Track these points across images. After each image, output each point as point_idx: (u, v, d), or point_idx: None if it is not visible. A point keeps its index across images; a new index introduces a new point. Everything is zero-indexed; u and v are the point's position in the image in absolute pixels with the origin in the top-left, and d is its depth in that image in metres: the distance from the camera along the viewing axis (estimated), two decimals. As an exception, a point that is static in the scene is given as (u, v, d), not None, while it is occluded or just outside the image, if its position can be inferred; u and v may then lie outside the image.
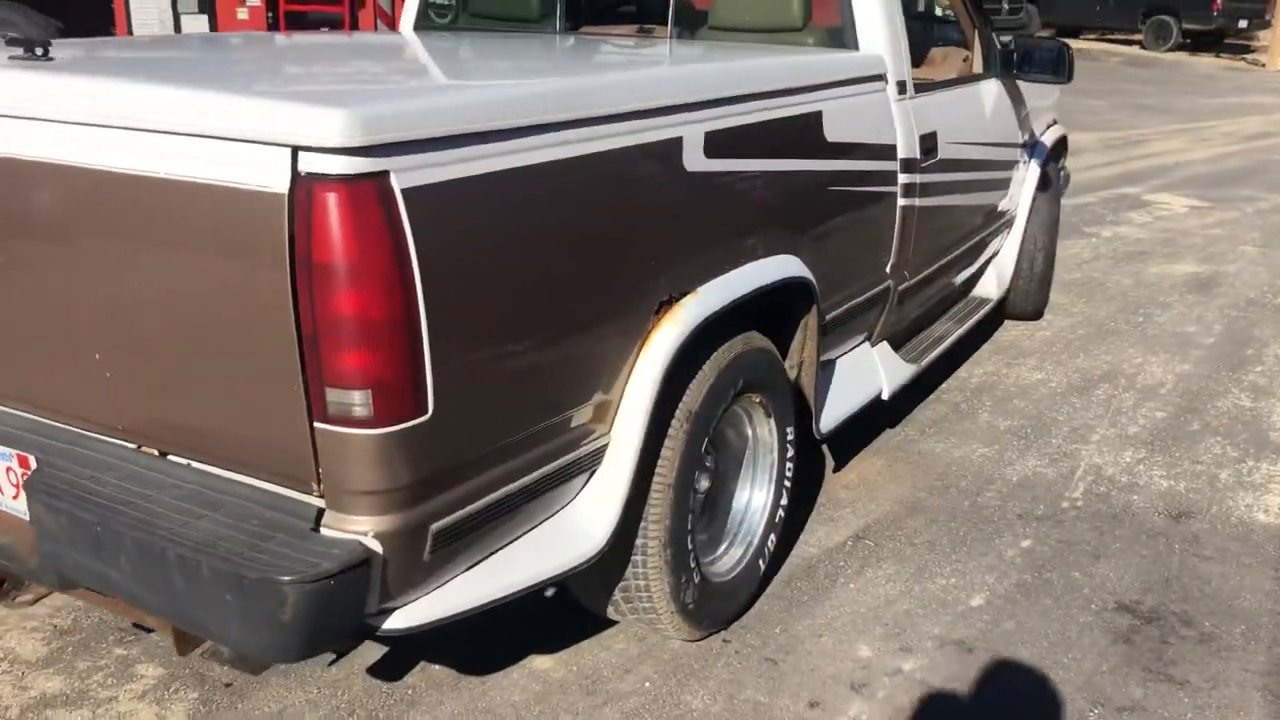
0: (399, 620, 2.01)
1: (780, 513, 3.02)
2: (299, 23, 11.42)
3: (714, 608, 2.80)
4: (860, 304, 3.43)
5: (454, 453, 1.98)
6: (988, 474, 3.84)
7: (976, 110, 4.25)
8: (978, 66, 4.47)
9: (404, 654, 2.74)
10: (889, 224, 3.50)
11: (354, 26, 11.61)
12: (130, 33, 9.80)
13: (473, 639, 2.76)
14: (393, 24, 11.51)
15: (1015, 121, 4.67)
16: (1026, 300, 5.34)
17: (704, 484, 2.71)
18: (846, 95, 3.21)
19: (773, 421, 2.94)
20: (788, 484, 3.04)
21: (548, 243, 2.10)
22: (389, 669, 2.70)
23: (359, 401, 1.82)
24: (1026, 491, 3.72)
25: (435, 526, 1.98)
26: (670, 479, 2.50)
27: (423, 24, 4.17)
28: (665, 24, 3.89)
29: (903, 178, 3.51)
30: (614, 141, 2.25)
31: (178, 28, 10.28)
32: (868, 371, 3.63)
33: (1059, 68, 4.37)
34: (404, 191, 1.78)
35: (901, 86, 3.52)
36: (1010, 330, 5.39)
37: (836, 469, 3.83)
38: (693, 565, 2.65)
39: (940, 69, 4.60)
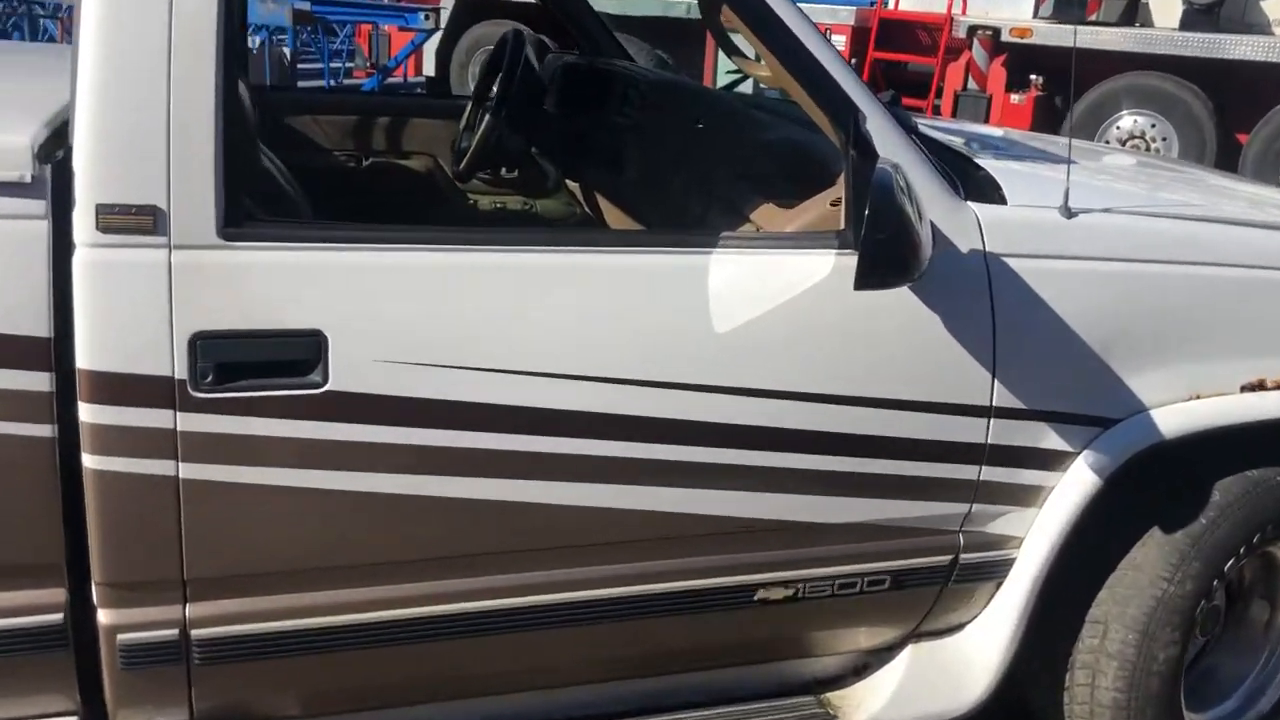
0: None
1: None
2: (890, 72, 10.36)
3: None
4: None
5: None
6: None
7: (629, 306, 1.79)
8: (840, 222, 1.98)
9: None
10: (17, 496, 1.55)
11: (940, 81, 10.22)
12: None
13: None
14: (984, 83, 9.85)
15: (942, 354, 1.98)
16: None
17: None
18: None
19: None
20: None
21: None
22: None
23: None
24: None
25: None
26: None
27: None
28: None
29: (92, 410, 1.54)
30: None
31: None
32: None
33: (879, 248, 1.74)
34: None
35: (155, 222, 1.53)
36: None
37: None
38: None
39: (794, 217, 2.14)
